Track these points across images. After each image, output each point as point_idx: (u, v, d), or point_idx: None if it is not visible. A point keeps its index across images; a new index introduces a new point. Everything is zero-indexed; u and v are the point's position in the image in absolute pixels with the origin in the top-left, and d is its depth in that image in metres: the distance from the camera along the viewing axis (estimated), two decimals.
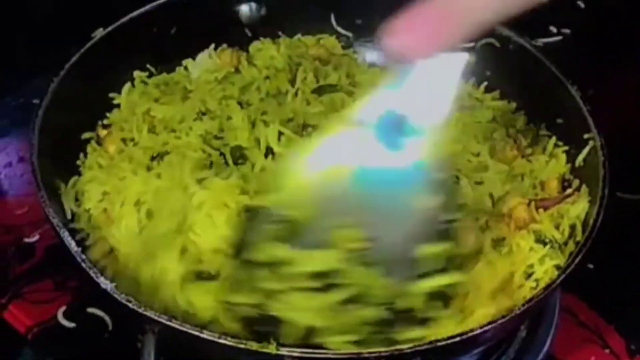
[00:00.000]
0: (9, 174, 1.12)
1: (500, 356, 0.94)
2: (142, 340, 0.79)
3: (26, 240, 1.03)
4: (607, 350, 0.97)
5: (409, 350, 0.77)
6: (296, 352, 0.77)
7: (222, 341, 0.76)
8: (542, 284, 0.86)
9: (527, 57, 1.03)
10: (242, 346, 0.76)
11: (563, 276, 0.84)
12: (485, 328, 0.79)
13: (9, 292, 0.98)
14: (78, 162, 0.97)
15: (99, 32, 1.01)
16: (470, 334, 0.78)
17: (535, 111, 1.03)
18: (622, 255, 1.04)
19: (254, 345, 0.77)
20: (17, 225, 1.05)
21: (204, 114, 0.99)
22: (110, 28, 1.01)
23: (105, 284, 0.80)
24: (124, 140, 0.98)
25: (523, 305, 0.81)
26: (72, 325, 0.95)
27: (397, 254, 0.78)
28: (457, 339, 0.78)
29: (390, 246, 0.78)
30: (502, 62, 1.05)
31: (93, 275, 0.80)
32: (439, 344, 0.77)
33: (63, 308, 0.96)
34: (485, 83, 1.07)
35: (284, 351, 0.77)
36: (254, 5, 1.10)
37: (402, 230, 0.78)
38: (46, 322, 0.95)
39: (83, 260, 0.81)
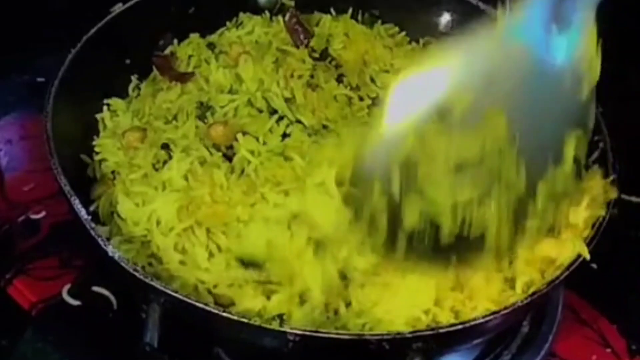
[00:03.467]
0: (13, 150, 1.11)
1: (502, 351, 0.94)
2: (147, 311, 0.79)
3: (32, 216, 1.03)
4: (608, 350, 0.98)
5: (410, 336, 0.78)
6: (298, 330, 0.77)
7: (226, 315, 0.77)
8: None
9: None
10: (245, 321, 0.77)
11: (567, 273, 0.84)
12: (487, 319, 0.80)
13: (13, 267, 0.98)
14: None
15: (118, 7, 1.02)
16: (471, 324, 0.79)
17: None
18: (625, 255, 1.05)
19: (257, 321, 0.78)
20: (23, 202, 1.05)
21: None
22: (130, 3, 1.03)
23: (113, 252, 0.80)
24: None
25: (526, 298, 0.82)
26: (77, 303, 0.95)
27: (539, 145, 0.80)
28: (459, 327, 0.79)
29: (533, 137, 0.80)
30: None
31: (101, 243, 0.81)
32: (441, 331, 0.78)
33: (68, 286, 0.96)
34: None
35: (286, 328, 0.78)
36: None
37: (546, 123, 0.80)
38: (51, 299, 0.95)
39: (92, 228, 0.82)
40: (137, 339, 0.87)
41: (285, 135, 0.96)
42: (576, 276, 0.86)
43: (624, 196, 1.08)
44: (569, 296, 0.99)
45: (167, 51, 1.07)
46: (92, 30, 0.99)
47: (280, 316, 0.83)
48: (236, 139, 0.94)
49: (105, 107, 1.00)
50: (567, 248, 0.86)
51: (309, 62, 1.04)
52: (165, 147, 0.95)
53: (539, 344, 0.95)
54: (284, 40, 1.07)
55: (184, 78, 1.02)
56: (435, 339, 0.79)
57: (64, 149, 0.90)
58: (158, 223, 0.88)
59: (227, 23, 1.10)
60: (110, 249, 0.81)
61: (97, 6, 1.03)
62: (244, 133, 0.95)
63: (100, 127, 0.99)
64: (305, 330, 0.78)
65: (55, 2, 1.24)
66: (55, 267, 0.99)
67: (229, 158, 0.94)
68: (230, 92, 1.01)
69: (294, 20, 1.08)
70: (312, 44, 1.07)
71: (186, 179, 0.90)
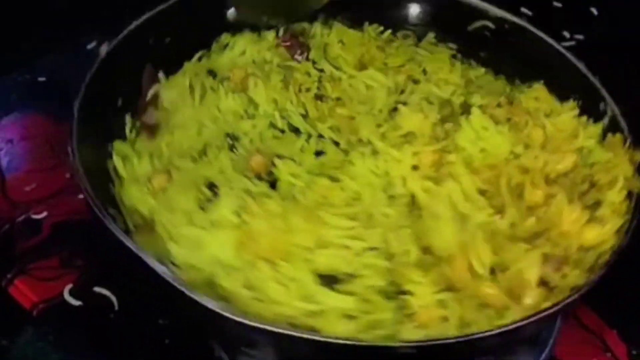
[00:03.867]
0: (14, 150, 1.11)
1: (504, 355, 0.94)
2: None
3: (33, 216, 1.03)
4: (608, 354, 0.98)
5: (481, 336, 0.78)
6: (340, 340, 0.77)
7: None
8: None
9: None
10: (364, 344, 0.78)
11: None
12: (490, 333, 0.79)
13: (15, 267, 0.98)
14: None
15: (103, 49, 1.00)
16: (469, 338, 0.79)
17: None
18: (626, 261, 1.05)
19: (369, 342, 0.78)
20: (24, 202, 1.05)
21: None
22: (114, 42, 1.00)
23: (205, 301, 0.78)
24: None
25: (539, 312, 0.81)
26: (78, 303, 0.95)
27: None
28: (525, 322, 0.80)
29: None
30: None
31: (186, 292, 0.78)
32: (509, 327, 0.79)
33: (69, 286, 0.96)
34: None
35: (399, 343, 0.78)
36: None
37: None
38: (52, 299, 0.95)
39: (174, 279, 0.79)
40: (137, 339, 0.89)
41: (318, 153, 0.97)
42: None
43: None
44: None
45: (152, 90, 1.02)
46: (88, 77, 0.95)
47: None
48: (273, 164, 0.94)
49: (114, 154, 0.95)
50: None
51: (315, 75, 1.05)
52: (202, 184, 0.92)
53: (540, 348, 0.95)
54: (282, 56, 1.08)
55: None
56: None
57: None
58: (220, 264, 0.84)
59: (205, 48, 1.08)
60: (198, 297, 0.77)
61: (97, 7, 1.03)
62: (279, 157, 0.95)
63: (113, 174, 0.94)
64: (420, 342, 0.78)
65: (56, 2, 1.24)
66: (57, 267, 0.98)
67: (271, 185, 0.93)
68: (247, 116, 1.01)
69: (287, 36, 1.09)
70: (311, 56, 1.08)
71: (237, 214, 0.87)
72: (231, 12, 1.08)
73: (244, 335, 0.82)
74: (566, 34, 1.31)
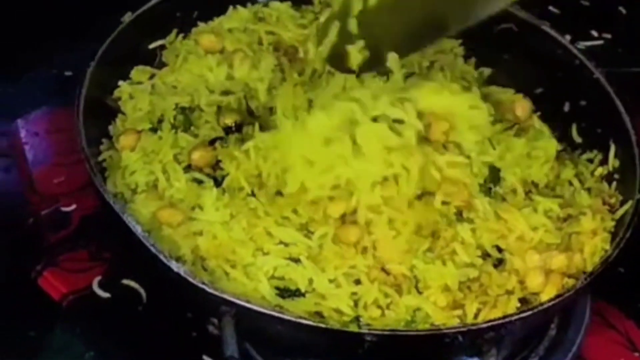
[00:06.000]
0: (42, 144, 1.12)
1: (530, 354, 0.94)
2: (220, 325, 0.80)
3: (62, 209, 1.04)
4: (636, 354, 0.97)
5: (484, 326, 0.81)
6: (385, 331, 0.79)
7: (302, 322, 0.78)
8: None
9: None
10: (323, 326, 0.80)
11: (616, 251, 0.86)
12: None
13: (43, 259, 0.98)
14: None
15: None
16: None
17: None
18: None
19: (336, 325, 0.79)
20: (53, 194, 1.05)
21: None
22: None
23: (178, 268, 0.80)
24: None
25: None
26: (106, 295, 0.96)
27: None
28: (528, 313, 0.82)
29: None
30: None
31: (164, 259, 0.81)
32: (512, 318, 0.82)
33: (98, 278, 0.97)
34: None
35: (364, 330, 0.79)
36: None
37: None
38: (81, 291, 0.96)
39: (152, 245, 0.82)
40: (165, 332, 0.90)
41: None
42: (603, 280, 0.87)
43: None
44: (596, 300, 0.99)
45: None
46: (105, 44, 0.98)
47: (357, 318, 0.83)
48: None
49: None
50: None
51: None
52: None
53: (567, 347, 0.95)
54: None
55: None
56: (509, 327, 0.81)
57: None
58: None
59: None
60: (174, 265, 0.81)
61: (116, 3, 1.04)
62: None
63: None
64: (384, 331, 0.79)
65: None
66: (85, 260, 0.99)
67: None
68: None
69: None
70: None
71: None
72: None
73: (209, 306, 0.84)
74: (594, 33, 1.31)
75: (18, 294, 0.96)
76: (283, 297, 0.84)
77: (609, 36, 1.31)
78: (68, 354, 0.92)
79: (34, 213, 1.03)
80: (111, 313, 0.95)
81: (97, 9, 1.16)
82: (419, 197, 0.89)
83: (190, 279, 0.80)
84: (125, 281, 0.96)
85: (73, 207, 1.03)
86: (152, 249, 0.82)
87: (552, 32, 1.05)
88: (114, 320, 0.94)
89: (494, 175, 0.93)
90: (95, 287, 0.96)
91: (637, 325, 1.00)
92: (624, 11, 1.36)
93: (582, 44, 1.24)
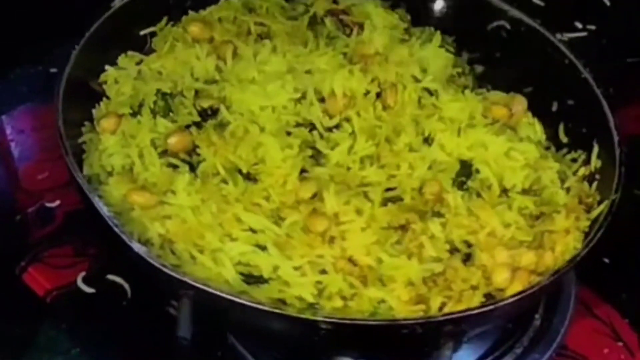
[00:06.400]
0: (27, 140, 1.12)
1: (514, 344, 0.95)
2: (178, 306, 0.80)
3: (47, 205, 1.04)
4: (620, 344, 0.98)
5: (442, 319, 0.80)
6: (334, 319, 0.78)
7: (256, 306, 0.78)
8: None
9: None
10: (278, 311, 0.79)
11: (585, 251, 0.85)
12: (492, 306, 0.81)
13: (28, 255, 0.99)
14: None
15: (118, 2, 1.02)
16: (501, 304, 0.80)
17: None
18: (637, 249, 1.05)
19: (290, 311, 0.79)
20: (37, 190, 1.05)
21: None
22: None
23: (138, 248, 0.80)
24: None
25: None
26: (91, 290, 0.96)
27: None
28: (491, 307, 0.81)
29: None
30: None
31: (126, 239, 0.81)
32: (472, 312, 0.80)
33: (82, 274, 0.97)
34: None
35: (318, 317, 0.78)
36: None
37: None
38: (65, 287, 0.96)
39: (116, 226, 0.82)
40: (150, 327, 0.90)
41: None
42: (588, 270, 0.87)
43: (637, 191, 1.09)
44: (581, 290, 0.99)
45: None
46: (94, 26, 0.99)
47: (312, 305, 0.83)
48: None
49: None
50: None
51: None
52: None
53: (551, 337, 0.95)
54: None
55: None
56: (466, 321, 0.80)
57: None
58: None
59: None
60: (135, 245, 0.81)
61: None
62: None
63: None
64: (337, 318, 0.79)
65: None
66: (70, 255, 0.99)
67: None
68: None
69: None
70: None
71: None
72: None
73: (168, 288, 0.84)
74: (578, 25, 1.31)
75: (2, 291, 0.96)
76: (248, 283, 0.83)
77: (593, 28, 1.31)
78: (54, 350, 0.93)
79: (20, 210, 1.03)
80: (96, 308, 0.95)
81: (85, 5, 1.16)
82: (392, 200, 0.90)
83: (149, 260, 0.80)
84: (110, 276, 0.96)
85: (57, 203, 1.03)
86: (115, 229, 0.81)
87: (543, 31, 1.05)
88: (99, 316, 0.95)
89: (466, 169, 0.93)
90: (80, 283, 0.96)
91: (621, 315, 1.00)
92: (607, 3, 1.36)
93: (566, 36, 1.24)
